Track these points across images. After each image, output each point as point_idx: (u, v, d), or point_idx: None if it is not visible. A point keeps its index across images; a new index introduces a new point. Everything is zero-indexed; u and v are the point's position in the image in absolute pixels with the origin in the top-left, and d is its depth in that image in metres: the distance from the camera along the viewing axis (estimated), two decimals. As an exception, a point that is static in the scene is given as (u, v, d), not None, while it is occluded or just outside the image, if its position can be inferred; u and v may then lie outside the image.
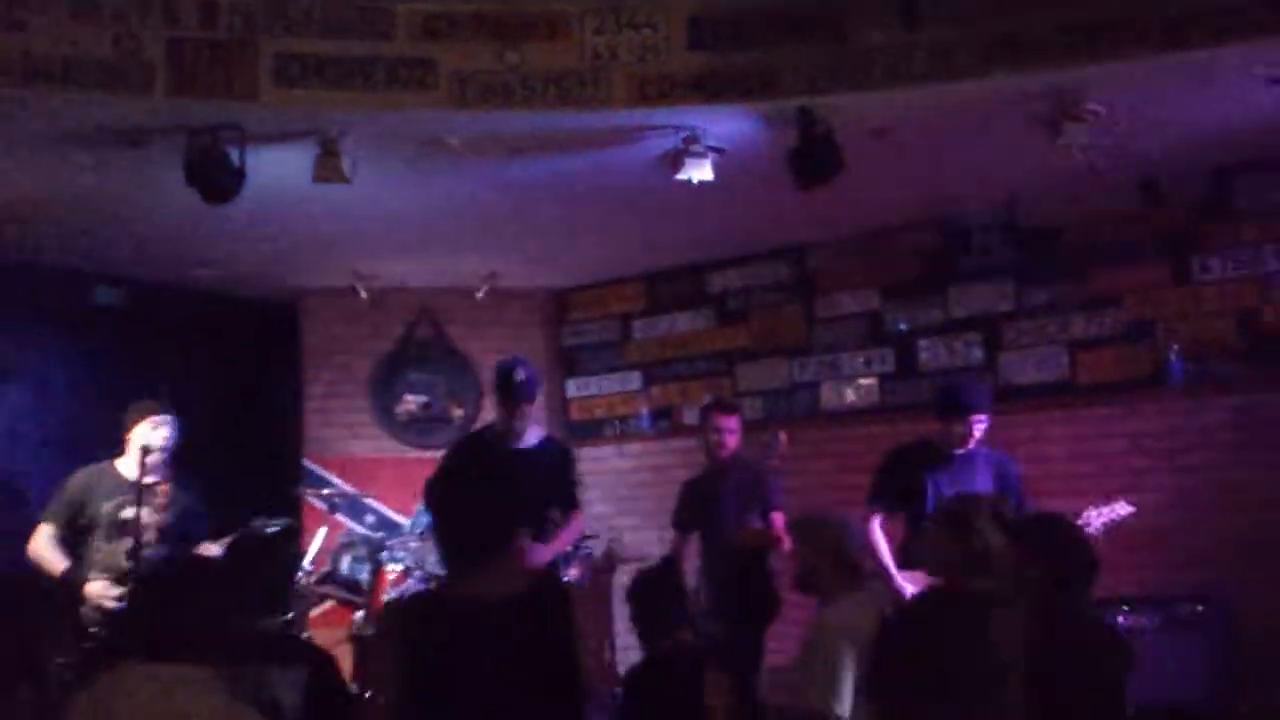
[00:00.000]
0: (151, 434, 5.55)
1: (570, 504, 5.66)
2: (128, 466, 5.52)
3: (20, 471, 6.79)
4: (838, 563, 4.00)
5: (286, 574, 2.67)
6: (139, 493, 5.33)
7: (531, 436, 5.63)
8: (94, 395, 7.21)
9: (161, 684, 2.51)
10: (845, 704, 3.63)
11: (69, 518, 5.46)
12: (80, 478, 5.53)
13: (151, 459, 5.47)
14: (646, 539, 5.70)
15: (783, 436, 5.82)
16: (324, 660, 3.62)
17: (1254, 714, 5.62)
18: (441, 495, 3.17)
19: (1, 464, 6.84)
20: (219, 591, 2.69)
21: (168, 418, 5.63)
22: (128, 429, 5.59)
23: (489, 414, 7.60)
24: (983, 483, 5.33)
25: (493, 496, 3.13)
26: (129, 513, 5.37)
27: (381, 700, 2.97)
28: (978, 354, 7.01)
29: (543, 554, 5.37)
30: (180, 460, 5.69)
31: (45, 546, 5.41)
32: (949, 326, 7.13)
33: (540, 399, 5.58)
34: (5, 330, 7.06)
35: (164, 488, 5.55)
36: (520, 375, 5.43)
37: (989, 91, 4.96)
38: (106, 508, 5.46)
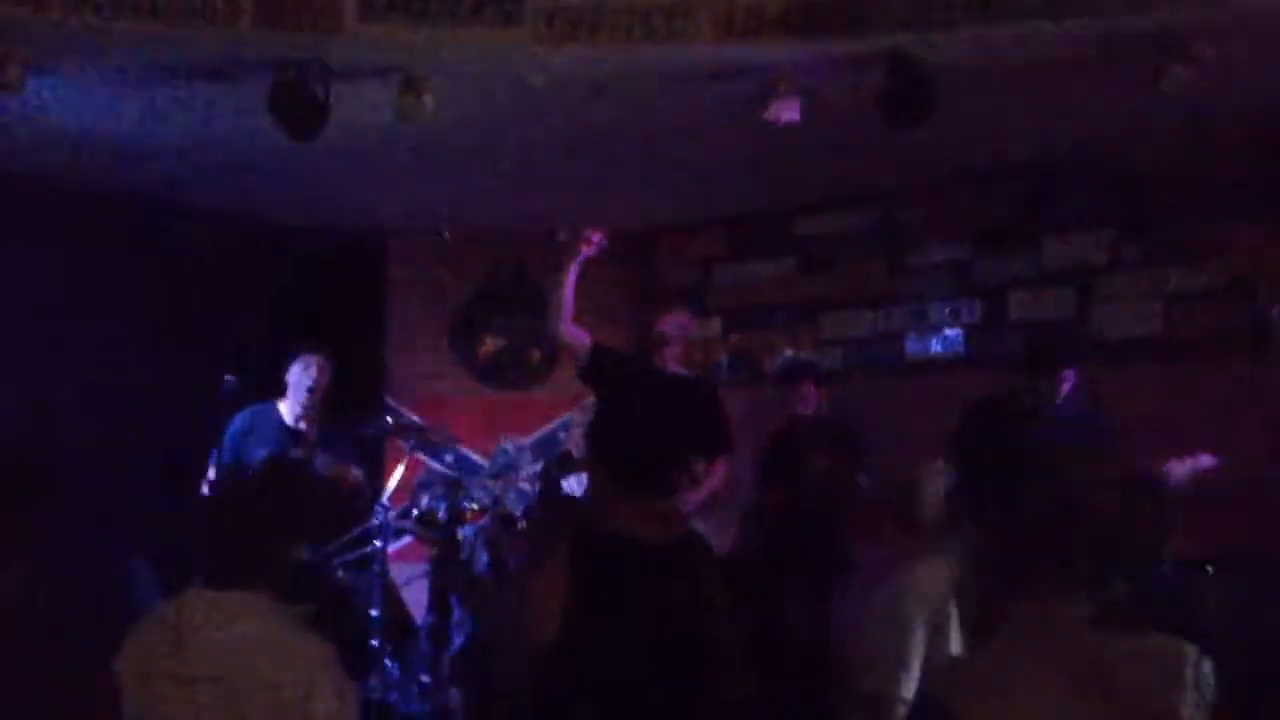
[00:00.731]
0: (303, 374, 5.64)
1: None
2: (287, 408, 5.65)
3: (98, 413, 6.77)
4: (909, 519, 3.89)
5: (299, 504, 2.57)
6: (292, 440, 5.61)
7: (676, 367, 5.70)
8: (176, 330, 7.25)
9: (224, 611, 2.51)
10: (911, 682, 3.33)
11: (230, 461, 5.57)
12: (237, 423, 5.62)
13: (305, 400, 5.58)
14: (724, 486, 5.66)
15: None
16: (334, 599, 3.55)
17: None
18: (644, 417, 2.92)
19: (79, 406, 6.81)
20: (250, 517, 2.65)
21: (317, 358, 5.69)
22: (286, 370, 5.68)
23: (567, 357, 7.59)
24: (1070, 438, 5.21)
25: (694, 428, 2.95)
26: None
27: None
28: (1070, 307, 6.81)
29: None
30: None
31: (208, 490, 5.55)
32: (1040, 278, 6.93)
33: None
34: (87, 265, 6.97)
35: (310, 432, 5.65)
36: None
37: (1091, 31, 4.76)
38: (261, 454, 5.57)
